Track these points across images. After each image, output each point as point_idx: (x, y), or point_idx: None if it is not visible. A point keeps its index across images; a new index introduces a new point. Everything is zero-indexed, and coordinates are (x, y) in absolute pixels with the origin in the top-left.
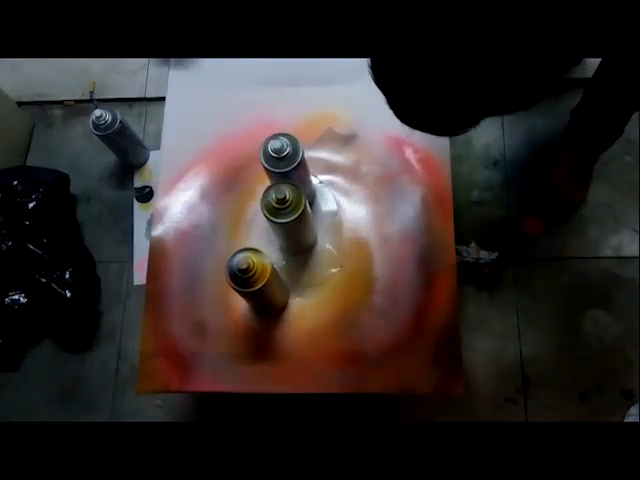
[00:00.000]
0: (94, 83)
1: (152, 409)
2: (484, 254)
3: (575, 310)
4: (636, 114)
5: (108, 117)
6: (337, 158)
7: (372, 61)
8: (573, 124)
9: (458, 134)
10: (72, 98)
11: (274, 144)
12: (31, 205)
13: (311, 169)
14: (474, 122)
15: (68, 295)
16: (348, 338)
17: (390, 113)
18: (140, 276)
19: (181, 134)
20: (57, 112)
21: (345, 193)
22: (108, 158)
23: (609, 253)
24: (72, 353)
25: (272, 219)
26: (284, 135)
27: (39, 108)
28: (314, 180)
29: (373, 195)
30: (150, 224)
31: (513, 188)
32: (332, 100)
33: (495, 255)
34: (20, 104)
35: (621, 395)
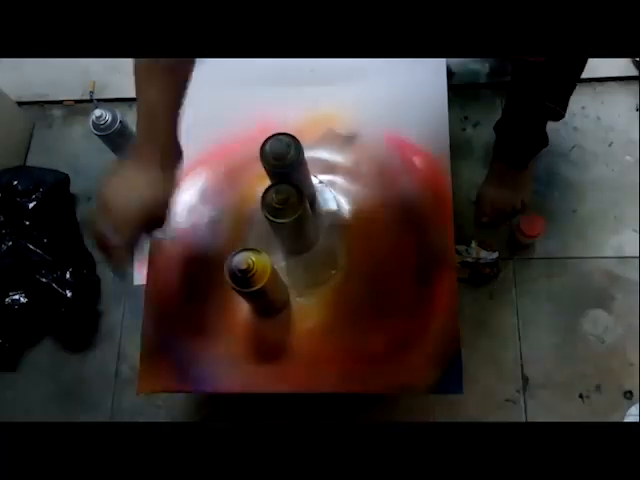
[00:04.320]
0: (94, 83)
1: (152, 409)
2: (484, 254)
3: (575, 310)
4: (636, 114)
5: (108, 117)
6: (337, 158)
7: None
8: (498, 137)
9: None
10: (72, 98)
11: (274, 144)
12: (31, 205)
13: (311, 169)
14: None
15: (68, 295)
16: (348, 338)
17: (390, 113)
18: (140, 276)
19: (181, 134)
20: (57, 112)
21: (345, 193)
22: (108, 158)
23: (609, 253)
24: (72, 353)
25: (272, 219)
26: (284, 135)
27: (39, 108)
28: (314, 180)
29: (373, 195)
30: None
31: None
32: (332, 100)
33: (495, 255)
34: (20, 104)
35: (621, 395)
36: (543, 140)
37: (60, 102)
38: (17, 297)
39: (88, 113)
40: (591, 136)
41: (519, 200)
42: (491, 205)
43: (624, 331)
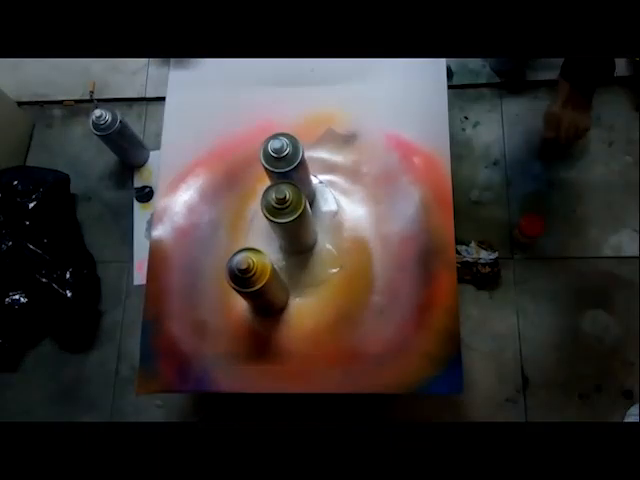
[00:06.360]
0: (94, 83)
1: (152, 409)
2: (484, 254)
3: (575, 310)
4: (636, 114)
5: (108, 117)
6: (337, 158)
7: None
8: (569, 61)
9: None
10: (72, 98)
11: (274, 144)
12: (31, 205)
13: (311, 169)
14: None
15: (68, 295)
16: (348, 338)
17: (390, 113)
18: (140, 276)
19: (181, 134)
20: (57, 112)
21: (345, 193)
22: (108, 158)
23: (609, 253)
24: (72, 353)
25: (272, 219)
26: (284, 135)
27: (39, 108)
28: (314, 180)
29: (373, 195)
30: (150, 224)
31: (513, 188)
32: (332, 100)
33: (495, 255)
34: (20, 104)
35: (621, 395)
36: (611, 67)
37: (60, 102)
38: (17, 297)
39: (88, 113)
40: (591, 136)
41: (583, 122)
42: (558, 123)
43: (624, 331)
